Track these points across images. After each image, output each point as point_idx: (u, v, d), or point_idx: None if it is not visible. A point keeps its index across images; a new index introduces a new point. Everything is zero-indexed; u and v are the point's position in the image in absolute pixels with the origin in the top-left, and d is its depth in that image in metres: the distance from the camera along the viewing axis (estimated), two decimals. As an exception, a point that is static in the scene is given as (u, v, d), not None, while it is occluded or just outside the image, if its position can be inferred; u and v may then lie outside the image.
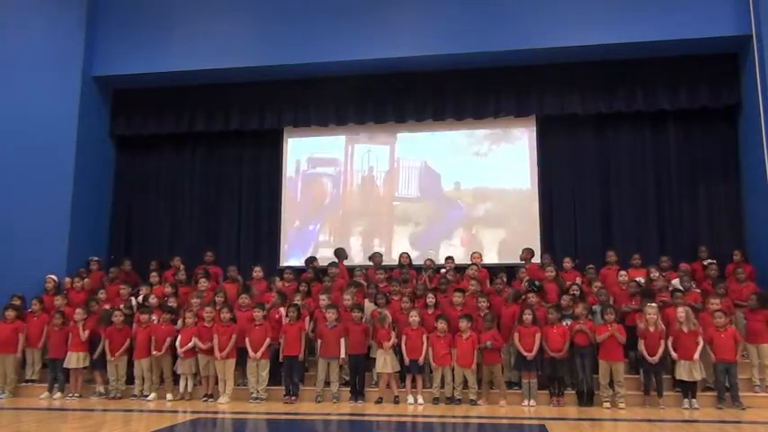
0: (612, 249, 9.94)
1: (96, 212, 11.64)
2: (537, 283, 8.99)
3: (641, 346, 7.88)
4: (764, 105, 9.51)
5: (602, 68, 10.59)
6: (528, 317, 8.11)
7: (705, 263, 9.38)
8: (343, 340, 8.35)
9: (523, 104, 10.95)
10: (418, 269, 9.99)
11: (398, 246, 10.82)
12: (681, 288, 8.57)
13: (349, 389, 8.37)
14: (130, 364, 8.77)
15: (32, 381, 9.15)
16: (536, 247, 10.43)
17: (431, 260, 10.17)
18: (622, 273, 9.17)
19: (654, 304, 8.01)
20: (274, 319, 8.74)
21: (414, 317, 8.31)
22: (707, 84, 10.37)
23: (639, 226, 10.66)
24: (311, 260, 10.46)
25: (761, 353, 8.10)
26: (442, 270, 9.71)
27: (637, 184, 10.82)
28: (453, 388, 8.11)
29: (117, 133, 12.06)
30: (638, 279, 9.02)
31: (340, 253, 10.46)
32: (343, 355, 8.33)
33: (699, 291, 8.81)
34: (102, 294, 9.64)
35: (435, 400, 8.11)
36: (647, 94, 10.54)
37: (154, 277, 10.12)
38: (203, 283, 9.57)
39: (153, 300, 9.29)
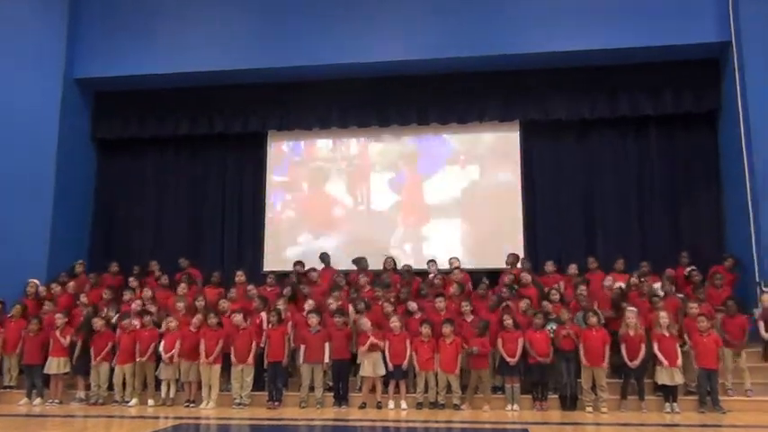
0: (593, 255, 10.00)
1: (78, 216, 11.54)
2: (514, 286, 9.05)
3: (623, 350, 7.92)
4: (743, 110, 9.65)
5: (585, 74, 10.67)
6: (508, 321, 8.13)
7: (687, 270, 9.42)
8: (327, 345, 8.32)
9: (508, 109, 11.00)
10: (402, 274, 9.98)
11: (382, 250, 10.77)
12: (659, 294, 8.61)
13: (333, 394, 8.34)
14: (111, 370, 8.68)
15: (10, 387, 9.03)
16: (519, 251, 10.46)
17: (408, 265, 10.14)
18: (608, 278, 9.21)
19: (633, 308, 8.06)
20: (256, 324, 8.70)
21: (394, 322, 8.30)
22: (689, 89, 10.49)
23: (622, 230, 10.74)
24: (298, 264, 10.41)
25: (737, 358, 8.18)
26: (430, 275, 9.71)
27: (620, 189, 10.91)
28: (437, 393, 8.11)
29: (99, 136, 11.97)
30: (619, 284, 9.06)
31: (324, 257, 10.47)
32: (327, 360, 8.30)
33: (680, 296, 8.87)
34: (83, 299, 9.57)
35: (419, 405, 8.12)
36: (630, 99, 10.63)
37: (133, 282, 10.05)
38: (183, 288, 9.51)
39: (135, 305, 9.20)
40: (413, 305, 8.77)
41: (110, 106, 11.80)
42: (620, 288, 8.97)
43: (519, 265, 9.87)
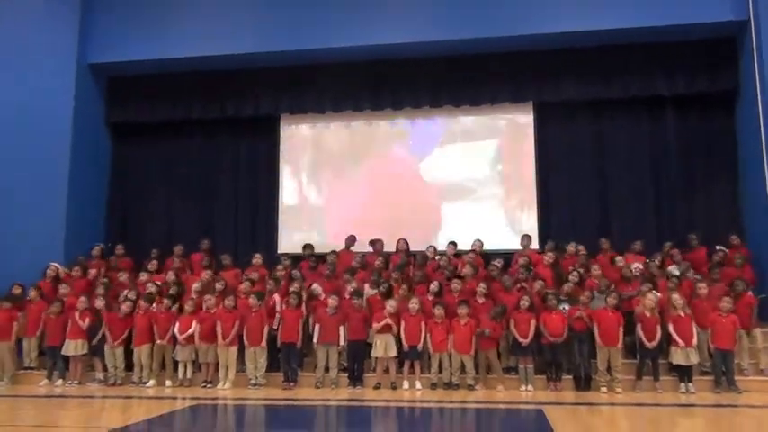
0: (606, 237, 9.96)
1: (93, 200, 11.61)
2: (530, 267, 9.11)
3: (639, 330, 7.93)
4: (762, 90, 9.51)
5: (598, 54, 10.57)
6: (525, 303, 8.17)
7: (718, 248, 9.34)
8: (342, 327, 8.39)
9: (520, 91, 10.96)
10: (415, 255, 9.99)
11: (397, 232, 10.72)
12: (676, 273, 8.61)
13: (347, 375, 8.40)
14: (129, 351, 8.78)
15: (31, 368, 9.14)
16: (533, 233, 10.48)
17: (433, 247, 10.13)
18: (619, 258, 9.19)
19: (654, 291, 8.07)
20: (269, 306, 8.75)
21: (413, 304, 8.33)
22: (705, 69, 10.37)
23: (636, 212, 10.70)
24: (307, 247, 10.46)
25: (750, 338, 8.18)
26: (437, 258, 9.73)
27: (633, 171, 10.85)
28: (451, 373, 8.15)
29: (112, 121, 12.01)
30: (636, 265, 9.04)
31: (350, 240, 10.47)
32: (342, 341, 8.36)
33: (697, 277, 8.79)
34: (102, 281, 9.66)
35: (433, 386, 8.16)
36: (644, 79, 10.53)
37: (153, 265, 10.08)
38: (206, 273, 9.56)
39: (152, 287, 9.25)
40: (432, 286, 8.76)
41: (123, 91, 11.84)
42: (645, 265, 8.98)
43: (532, 247, 9.96)
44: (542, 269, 9.21)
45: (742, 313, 8.07)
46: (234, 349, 8.47)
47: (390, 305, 8.38)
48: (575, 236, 10.27)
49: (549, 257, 9.35)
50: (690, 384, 7.74)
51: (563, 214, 10.94)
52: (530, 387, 7.99)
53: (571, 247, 9.76)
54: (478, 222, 10.98)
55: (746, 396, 7.49)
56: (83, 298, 9.02)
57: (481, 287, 8.59)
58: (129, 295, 9.07)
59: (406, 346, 8.24)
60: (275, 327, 8.50)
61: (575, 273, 8.84)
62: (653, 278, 8.60)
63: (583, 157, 11.04)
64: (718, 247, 9.31)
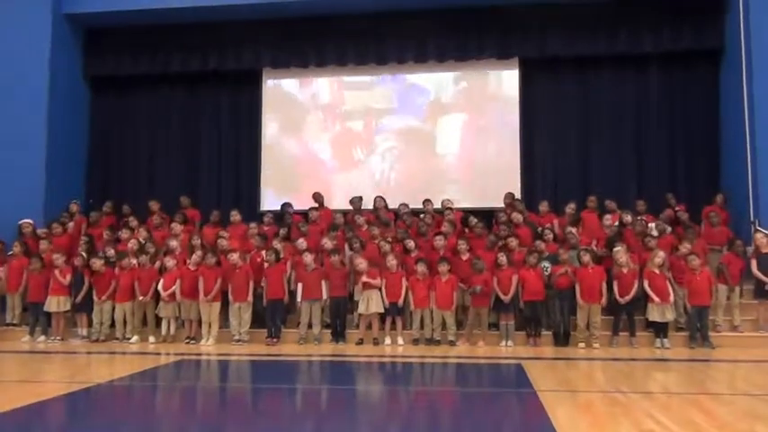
0: (593, 194, 9.98)
1: (72, 156, 11.44)
2: (510, 224, 9.17)
3: (615, 287, 8.06)
4: (746, 48, 9.51)
5: (586, 10, 10.45)
6: (503, 259, 8.25)
7: (675, 209, 9.46)
8: (324, 283, 8.45)
9: (506, 46, 10.88)
10: (397, 213, 10.01)
11: (379, 189, 10.80)
12: (653, 233, 8.67)
13: (330, 331, 8.47)
14: (112, 307, 8.80)
15: (13, 324, 9.13)
16: (516, 191, 10.51)
17: (405, 204, 10.11)
18: (607, 217, 9.25)
19: (618, 248, 8.15)
20: (256, 262, 8.76)
21: (391, 261, 8.38)
22: (691, 26, 10.34)
23: (618, 170, 10.77)
24: (287, 205, 10.43)
25: (731, 293, 8.32)
26: (422, 215, 9.75)
27: (617, 129, 10.89)
28: (432, 329, 8.25)
29: (91, 74, 11.76)
30: (608, 219, 9.18)
31: (317, 197, 10.47)
32: (324, 297, 8.44)
33: (674, 235, 8.94)
34: (83, 237, 9.65)
35: (415, 342, 8.26)
36: (631, 36, 10.49)
37: (132, 221, 10.03)
38: (176, 228, 9.56)
39: (131, 244, 9.22)
40: (410, 243, 8.83)
41: (101, 43, 11.55)
42: (617, 227, 9.02)
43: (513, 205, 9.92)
44: (519, 228, 9.27)
45: (735, 274, 8.22)
46: (216, 305, 8.50)
47: (360, 262, 8.40)
48: (557, 194, 10.35)
49: (516, 217, 9.40)
50: (665, 340, 7.88)
51: (546, 172, 11.00)
52: (510, 343, 8.10)
53: (543, 206, 9.85)
54: (461, 180, 11.03)
55: (719, 351, 7.65)
56: (57, 255, 8.94)
57: (461, 244, 8.63)
58: (108, 252, 9.03)
59: (386, 302, 8.33)
60: (262, 285, 8.53)
61: (547, 230, 8.92)
62: (619, 235, 8.65)
63: (567, 114, 11.03)
64: (677, 208, 9.39)
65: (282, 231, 9.50)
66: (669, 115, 10.75)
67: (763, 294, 8.19)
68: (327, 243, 8.87)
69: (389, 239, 8.92)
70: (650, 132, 10.81)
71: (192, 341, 8.52)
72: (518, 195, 10.42)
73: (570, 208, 9.62)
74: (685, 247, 8.26)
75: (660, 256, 8.07)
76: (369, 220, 9.79)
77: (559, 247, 8.60)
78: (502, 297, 8.17)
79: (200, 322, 8.58)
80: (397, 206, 10.13)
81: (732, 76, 9.98)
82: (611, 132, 10.90)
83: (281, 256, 8.77)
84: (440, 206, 10.07)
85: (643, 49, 10.54)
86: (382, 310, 8.37)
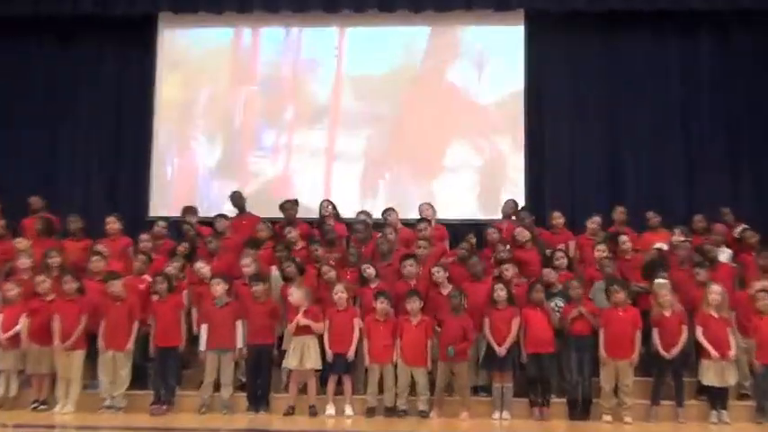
0: (621, 204, 10.03)
1: None
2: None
3: (655, 336, 7.99)
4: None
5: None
6: (501, 294, 8.14)
7: (737, 229, 9.57)
8: (240, 324, 8.27)
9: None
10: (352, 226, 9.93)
11: (325, 191, 10.88)
12: (715, 256, 8.73)
13: (246, 394, 8.31)
14: None
15: None
16: (518, 197, 10.56)
17: (366, 213, 10.10)
18: (623, 238, 9.22)
19: (664, 280, 8.15)
20: (137, 291, 8.59)
21: (340, 293, 8.22)
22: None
23: (658, 172, 10.93)
24: (189, 211, 10.35)
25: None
26: (387, 231, 9.63)
27: (656, 111, 11.05)
28: (396, 394, 8.09)
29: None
30: (658, 245, 9.12)
31: (236, 200, 10.38)
32: (240, 345, 8.25)
33: (734, 265, 8.97)
34: None
35: (370, 412, 8.11)
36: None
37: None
38: (22, 243, 9.37)
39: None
40: (369, 270, 8.70)
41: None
42: (658, 250, 9.03)
43: (516, 218, 9.97)
44: (525, 249, 9.20)
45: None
46: (79, 354, 8.25)
47: (295, 295, 8.25)
48: (574, 202, 10.53)
49: (521, 234, 9.31)
50: (724, 412, 7.81)
51: (561, 170, 11.16)
52: (506, 415, 7.97)
53: (557, 219, 9.86)
54: (439, 182, 11.13)
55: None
56: None
57: (436, 272, 8.55)
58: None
59: (330, 353, 8.14)
60: (148, 323, 8.45)
61: (559, 254, 8.92)
62: (662, 264, 8.65)
63: (588, 90, 11.20)
64: (741, 227, 9.46)
65: (181, 248, 9.30)
66: (728, 94, 10.97)
67: None
68: (247, 266, 8.65)
69: (335, 263, 8.84)
70: (701, 116, 11.01)
71: (42, 406, 8.24)
72: (521, 203, 10.44)
73: (594, 222, 9.59)
74: (758, 282, 8.23)
75: (718, 292, 8.01)
76: (308, 234, 9.70)
77: (573, 277, 8.54)
78: (496, 348, 8.03)
79: (54, 379, 8.30)
80: (351, 215, 10.09)
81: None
82: (650, 115, 11.03)
83: (176, 284, 8.57)
84: (417, 214, 10.04)
85: (690, 5, 10.78)
86: (323, 366, 8.20)
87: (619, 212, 9.85)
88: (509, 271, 8.57)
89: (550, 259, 8.85)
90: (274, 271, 8.95)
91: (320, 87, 11.51)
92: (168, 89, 11.58)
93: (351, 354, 8.15)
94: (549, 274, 8.53)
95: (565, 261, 8.84)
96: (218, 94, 11.63)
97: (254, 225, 9.84)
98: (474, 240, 9.57)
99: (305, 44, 11.56)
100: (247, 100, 11.57)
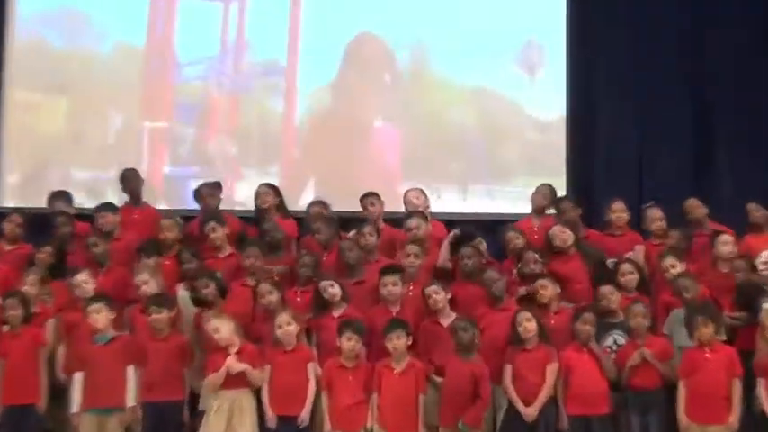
0: (703, 195, 9.84)
1: None
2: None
3: (761, 389, 7.61)
4: None
5: None
6: (530, 326, 7.66)
7: None
8: (131, 371, 7.76)
9: None
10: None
11: (264, 174, 10.90)
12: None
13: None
14: None
15: None
16: (558, 183, 10.57)
17: (322, 202, 9.91)
18: (724, 238, 8.88)
19: None
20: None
21: (285, 325, 7.70)
22: None
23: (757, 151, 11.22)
24: (59, 198, 10.05)
25: None
26: (366, 231, 9.30)
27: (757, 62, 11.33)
28: (369, 480, 7.85)
29: None
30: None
31: (130, 180, 10.07)
32: (131, 402, 7.71)
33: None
34: None
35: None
36: None
37: None
38: None
39: None
40: (332, 290, 8.18)
41: None
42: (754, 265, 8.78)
43: (554, 210, 9.78)
44: (567, 258, 8.84)
45: None
46: None
47: (220, 328, 7.76)
48: (642, 190, 10.75)
49: (561, 236, 8.96)
50: None
51: (618, 147, 11.34)
52: None
53: (618, 212, 9.54)
54: (444, 161, 11.43)
55: None
56: None
57: (434, 293, 8.06)
58: None
59: (272, 416, 7.60)
60: None
61: (627, 267, 8.50)
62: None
63: (659, 35, 11.44)
64: None
65: (42, 254, 8.87)
66: None
67: None
68: (145, 283, 8.18)
69: (280, 278, 8.52)
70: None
71: None
72: (562, 191, 10.47)
73: (657, 218, 9.33)
74: None
75: None
76: (238, 235, 9.40)
77: (637, 300, 8.15)
78: (521, 409, 7.55)
79: None
80: (302, 207, 10.08)
81: None
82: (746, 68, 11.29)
83: (36, 309, 8.16)
84: (404, 205, 9.96)
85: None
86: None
87: (694, 206, 9.55)
88: (547, 290, 8.13)
89: (612, 274, 8.46)
90: (183, 291, 8.48)
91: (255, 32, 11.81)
92: (19, 36, 11.91)
93: (304, 417, 7.61)
94: (610, 294, 8.08)
95: (635, 277, 8.39)
96: (99, 47, 12.01)
97: (155, 221, 9.42)
98: (484, 246, 9.19)
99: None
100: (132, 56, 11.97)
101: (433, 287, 8.10)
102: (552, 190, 10.03)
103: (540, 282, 8.19)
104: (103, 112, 11.97)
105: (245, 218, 10.08)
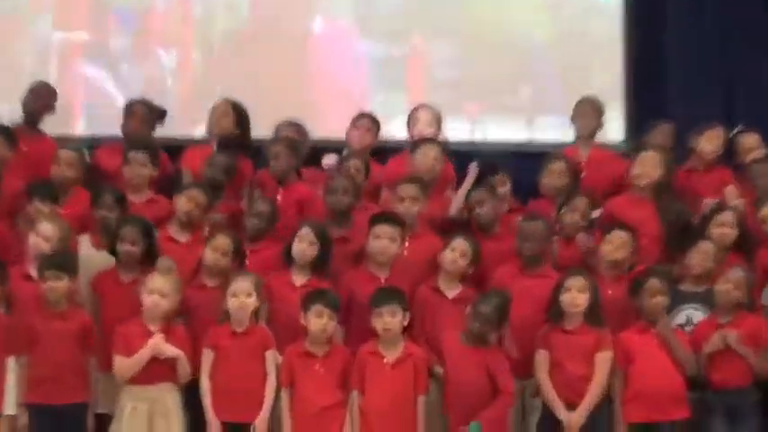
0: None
1: None
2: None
3: None
4: None
5: None
6: (580, 298, 7.37)
7: None
8: (12, 363, 7.45)
9: None
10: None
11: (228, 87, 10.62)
12: None
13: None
14: None
15: None
16: (616, 110, 10.87)
17: (294, 123, 9.74)
18: None
19: None
20: None
21: (243, 296, 7.32)
22: None
23: None
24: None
25: None
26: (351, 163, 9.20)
27: None
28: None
29: None
30: None
31: (34, 100, 9.72)
32: (12, 409, 7.38)
33: None
34: None
35: None
36: None
37: None
38: None
39: None
40: (301, 252, 7.86)
41: None
42: None
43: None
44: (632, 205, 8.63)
45: None
46: None
47: (160, 288, 7.41)
48: (732, 113, 10.75)
49: (649, 170, 8.67)
50: None
51: (689, 51, 11.34)
52: None
53: (709, 144, 9.30)
54: (467, 77, 11.40)
55: None
56: None
57: (449, 254, 7.72)
58: None
59: (216, 423, 7.21)
60: None
61: (724, 217, 8.30)
62: None
63: None
64: None
65: None
66: None
67: None
68: (45, 238, 7.83)
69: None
70: None
71: None
72: (620, 113, 11.02)
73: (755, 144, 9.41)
74: None
75: None
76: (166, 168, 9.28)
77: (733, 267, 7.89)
78: (561, 413, 7.25)
79: None
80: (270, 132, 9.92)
81: None
82: None
83: None
84: (406, 129, 10.03)
85: None
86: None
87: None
88: (617, 249, 7.79)
89: (701, 225, 8.22)
90: (88, 248, 7.98)
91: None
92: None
93: (259, 425, 7.23)
94: (705, 255, 7.74)
95: (734, 233, 8.11)
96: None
97: (52, 153, 9.01)
98: (509, 186, 8.97)
99: None
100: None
101: (461, 242, 7.75)
102: (594, 105, 9.92)
103: (585, 237, 8.14)
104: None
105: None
